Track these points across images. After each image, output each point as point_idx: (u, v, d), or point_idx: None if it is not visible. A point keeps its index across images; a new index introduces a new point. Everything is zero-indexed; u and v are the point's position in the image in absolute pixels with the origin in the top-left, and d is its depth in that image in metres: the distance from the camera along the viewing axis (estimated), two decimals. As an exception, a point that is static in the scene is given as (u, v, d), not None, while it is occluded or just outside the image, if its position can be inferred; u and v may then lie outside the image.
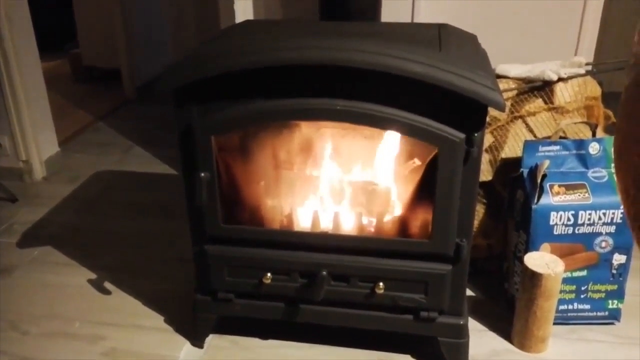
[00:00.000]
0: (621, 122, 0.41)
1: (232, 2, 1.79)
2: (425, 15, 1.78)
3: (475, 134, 1.16)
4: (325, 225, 1.37)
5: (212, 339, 1.50)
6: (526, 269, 1.38)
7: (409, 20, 1.79)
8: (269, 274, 1.35)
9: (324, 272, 1.31)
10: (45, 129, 2.43)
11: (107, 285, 1.72)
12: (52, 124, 2.49)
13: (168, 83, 1.22)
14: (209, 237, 1.35)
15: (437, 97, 1.13)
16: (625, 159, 0.40)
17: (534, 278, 1.36)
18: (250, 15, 1.86)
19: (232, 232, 1.34)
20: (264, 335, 1.50)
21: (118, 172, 2.48)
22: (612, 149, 0.43)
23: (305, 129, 1.36)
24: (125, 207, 2.18)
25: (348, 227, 1.37)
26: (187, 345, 1.48)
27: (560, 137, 1.58)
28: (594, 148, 1.47)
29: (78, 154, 2.67)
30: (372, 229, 1.38)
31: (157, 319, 1.58)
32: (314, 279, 1.32)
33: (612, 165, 1.47)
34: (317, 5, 1.59)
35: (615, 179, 0.42)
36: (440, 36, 1.29)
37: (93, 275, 1.76)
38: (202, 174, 1.26)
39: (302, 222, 1.39)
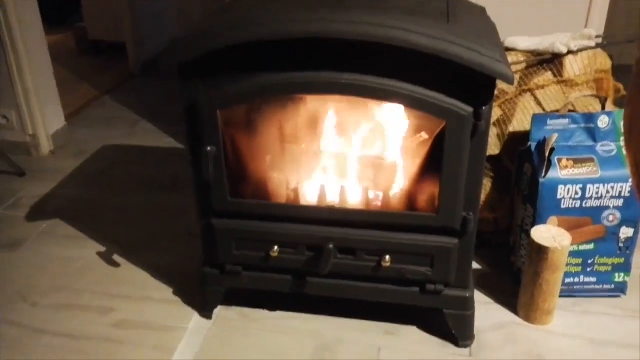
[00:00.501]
0: (632, 95, 0.41)
1: (237, -27, 1.76)
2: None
3: (483, 108, 1.15)
4: (332, 199, 1.37)
5: (220, 311, 1.51)
6: (533, 242, 1.38)
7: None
8: (276, 247, 1.35)
9: (331, 246, 1.31)
10: (51, 103, 2.43)
11: (116, 258, 1.73)
12: (58, 98, 2.49)
13: (174, 58, 1.21)
14: (216, 211, 1.35)
15: (444, 70, 1.12)
16: (636, 132, 0.39)
17: (540, 251, 1.37)
18: (255, -13, 1.83)
19: (239, 206, 1.34)
20: (272, 307, 1.51)
21: (125, 147, 2.49)
22: (622, 123, 0.42)
23: (311, 102, 1.35)
24: (132, 181, 2.19)
25: (355, 201, 1.37)
26: (195, 316, 1.50)
27: (569, 111, 1.57)
28: (603, 121, 1.46)
29: (85, 128, 2.67)
30: (379, 203, 1.38)
31: (166, 291, 1.59)
32: (320, 252, 1.33)
33: (622, 139, 1.46)
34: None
35: (625, 151, 0.42)
36: (449, 8, 1.27)
37: (102, 249, 1.78)
38: (209, 148, 1.26)
39: (309, 196, 1.39)
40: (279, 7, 1.26)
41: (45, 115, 2.37)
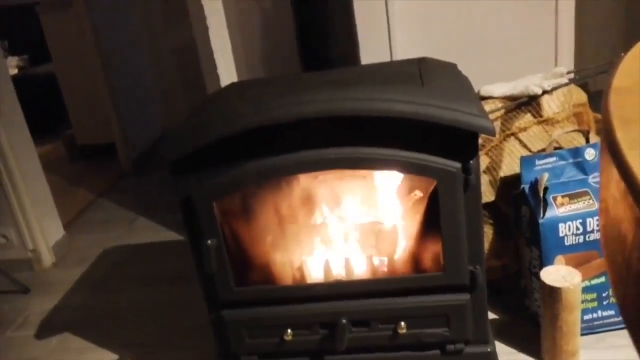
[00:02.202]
0: (602, 207, 0.41)
1: (214, 67, 1.83)
2: (403, 49, 1.82)
3: (471, 162, 1.17)
4: (338, 272, 1.37)
5: (242, 404, 1.47)
6: (544, 285, 1.37)
7: (388, 57, 1.82)
8: (289, 330, 1.34)
9: (344, 320, 1.30)
10: (48, 215, 2.45)
11: (131, 363, 1.70)
12: (55, 209, 2.51)
13: (166, 155, 1.24)
14: (223, 302, 1.34)
15: (427, 131, 1.15)
16: (610, 257, 0.40)
17: (553, 293, 1.35)
18: (234, 77, 1.89)
19: (245, 294, 1.34)
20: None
21: (125, 247, 2.49)
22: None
23: (303, 180, 1.37)
24: (136, 280, 2.18)
25: (360, 271, 1.37)
26: (217, 413, 1.46)
27: (555, 148, 1.59)
28: (589, 154, 1.48)
29: (83, 234, 2.68)
30: (385, 269, 1.38)
31: (184, 391, 1.56)
32: (334, 328, 1.31)
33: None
34: (298, 56, 1.62)
35: (607, 270, 0.42)
36: (421, 71, 1.32)
37: (114, 356, 1.75)
38: (209, 241, 1.26)
39: (314, 273, 1.39)
40: (260, 94, 1.30)
41: (44, 229, 2.39)
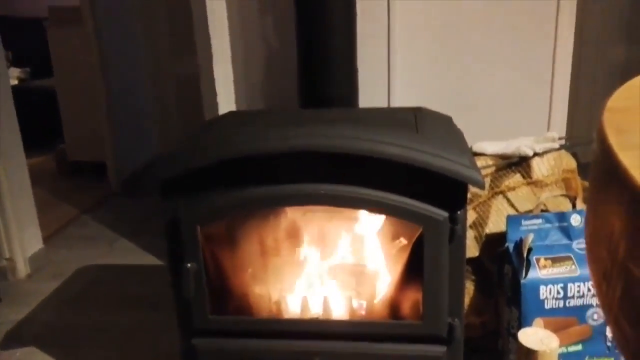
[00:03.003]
0: (589, 217, 0.42)
1: (214, 94, 1.85)
2: (401, 99, 1.85)
3: (458, 212, 1.18)
4: (316, 311, 1.35)
5: None
6: (521, 346, 1.35)
7: (385, 104, 1.85)
8: (260, 365, 1.31)
9: (317, 360, 1.28)
10: (29, 225, 2.42)
11: (92, 385, 1.65)
12: (37, 220, 2.48)
13: (156, 175, 1.24)
14: (196, 330, 1.32)
15: (417, 177, 1.16)
16: (595, 254, 0.41)
17: (529, 355, 1.34)
18: (233, 106, 1.91)
19: (220, 323, 1.31)
20: None
21: (102, 266, 2.45)
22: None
23: (291, 214, 1.37)
24: (110, 301, 2.13)
25: (339, 312, 1.35)
26: None
27: (542, 211, 1.61)
28: (575, 220, 1.50)
29: (63, 249, 2.64)
30: (363, 313, 1.37)
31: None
32: (306, 368, 1.29)
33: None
34: (297, 94, 1.65)
35: (589, 272, 0.43)
36: (417, 119, 1.34)
37: (77, 376, 1.70)
38: (189, 265, 1.25)
39: (292, 309, 1.37)
40: (257, 124, 1.31)
41: (23, 239, 2.35)
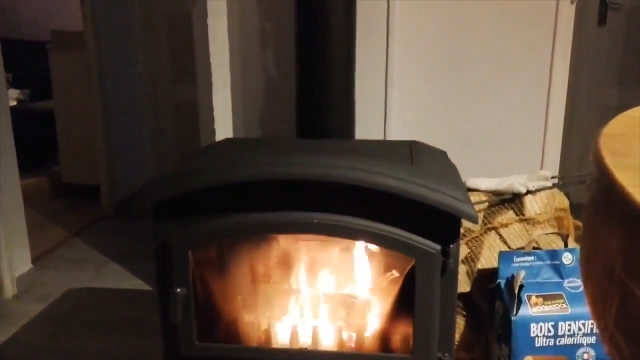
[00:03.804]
0: (584, 239, 0.43)
1: (212, 121, 1.86)
2: (397, 132, 1.87)
3: (451, 245, 1.18)
4: (305, 340, 1.34)
5: None
6: (510, 383, 1.35)
7: (381, 137, 1.87)
8: (246, 395, 1.29)
9: (304, 391, 1.26)
10: (19, 246, 2.40)
11: (73, 411, 1.62)
12: (27, 241, 2.46)
13: (149, 197, 1.24)
14: (183, 357, 1.30)
15: (411, 209, 1.16)
16: (590, 274, 0.41)
17: (519, 393, 1.33)
18: (230, 134, 1.93)
19: (207, 350, 1.29)
20: None
21: (90, 289, 2.42)
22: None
23: (283, 242, 1.37)
24: (97, 325, 2.10)
25: (328, 342, 1.34)
26: None
27: (534, 248, 1.61)
28: (567, 258, 1.50)
29: (51, 270, 2.61)
30: (353, 344, 1.35)
31: None
32: (292, 399, 1.27)
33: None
34: (295, 124, 1.66)
35: (584, 291, 0.43)
36: (412, 152, 1.36)
37: (59, 401, 1.66)
38: (178, 290, 1.24)
39: (281, 338, 1.36)
40: (252, 152, 1.32)
41: (12, 259, 2.33)
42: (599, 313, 0.40)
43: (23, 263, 2.43)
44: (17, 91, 4.72)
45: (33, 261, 2.51)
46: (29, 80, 4.76)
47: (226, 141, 1.59)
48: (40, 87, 4.53)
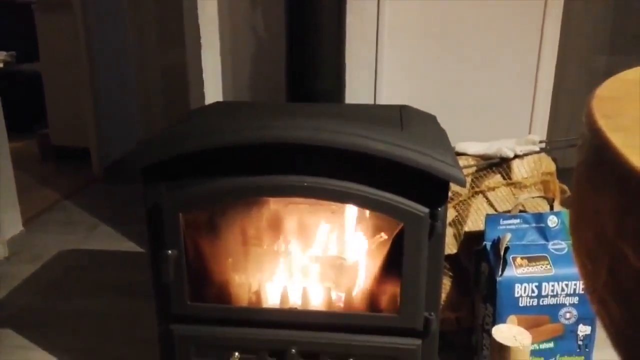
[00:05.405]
0: (574, 201, 0.44)
1: (202, 84, 1.85)
2: (387, 97, 1.87)
3: (439, 209, 1.20)
4: (294, 301, 1.36)
5: None
6: (494, 342, 1.38)
7: (371, 101, 1.87)
8: (236, 354, 1.32)
9: (293, 350, 1.29)
10: (9, 208, 2.40)
11: (68, 369, 1.65)
12: (17, 203, 2.47)
13: (139, 160, 1.24)
14: (175, 316, 1.33)
15: (400, 173, 1.18)
16: (580, 236, 0.42)
17: (502, 351, 1.37)
18: (219, 97, 1.92)
19: (199, 310, 1.32)
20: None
21: (82, 251, 2.44)
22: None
23: (273, 205, 1.38)
24: (88, 286, 2.13)
25: (317, 302, 1.37)
26: None
27: (520, 211, 1.64)
28: (552, 221, 1.53)
29: (42, 233, 2.62)
30: (341, 304, 1.38)
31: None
32: (283, 357, 1.30)
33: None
34: (285, 87, 1.66)
35: (573, 254, 0.44)
36: (402, 116, 1.36)
37: (52, 358, 1.69)
38: (170, 252, 1.26)
39: (271, 299, 1.39)
40: (242, 115, 1.32)
41: (2, 222, 2.34)
42: (589, 275, 0.40)
43: (14, 225, 2.44)
44: (4, 53, 4.64)
45: (24, 224, 2.52)
46: (15, 42, 4.67)
47: (215, 105, 1.58)
48: (26, 49, 4.45)
